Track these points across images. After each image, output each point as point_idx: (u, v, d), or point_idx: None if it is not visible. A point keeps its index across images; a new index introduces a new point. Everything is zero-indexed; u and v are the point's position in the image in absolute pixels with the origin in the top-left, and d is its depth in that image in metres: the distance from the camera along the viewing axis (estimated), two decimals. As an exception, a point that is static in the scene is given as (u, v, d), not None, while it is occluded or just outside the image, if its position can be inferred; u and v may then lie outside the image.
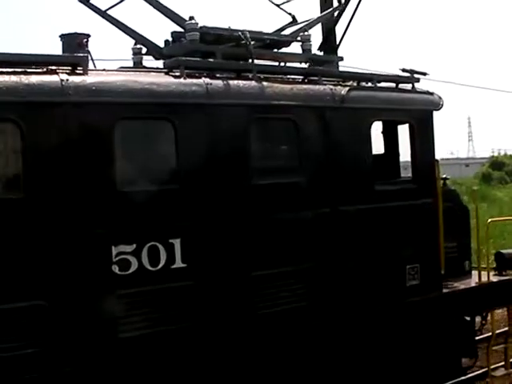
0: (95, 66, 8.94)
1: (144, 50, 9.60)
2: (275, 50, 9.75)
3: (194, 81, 7.94)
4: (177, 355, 7.53)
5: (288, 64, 9.56)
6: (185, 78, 7.89)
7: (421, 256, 9.62)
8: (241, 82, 8.27)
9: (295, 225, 8.51)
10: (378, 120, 9.70)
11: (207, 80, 8.00)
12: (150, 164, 7.63)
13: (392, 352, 9.30)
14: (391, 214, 9.31)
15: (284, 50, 9.86)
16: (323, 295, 8.64)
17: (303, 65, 9.79)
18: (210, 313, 7.77)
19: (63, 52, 9.03)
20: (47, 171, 6.90)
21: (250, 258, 8.09)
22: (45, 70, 7.23)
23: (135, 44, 9.61)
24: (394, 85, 9.88)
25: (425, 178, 9.74)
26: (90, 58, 9.01)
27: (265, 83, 8.42)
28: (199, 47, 8.68)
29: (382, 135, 10.49)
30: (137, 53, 9.57)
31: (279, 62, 9.61)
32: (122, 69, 8.58)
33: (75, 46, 8.86)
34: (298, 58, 9.73)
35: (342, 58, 10.06)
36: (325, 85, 8.94)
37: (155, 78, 7.82)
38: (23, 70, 7.09)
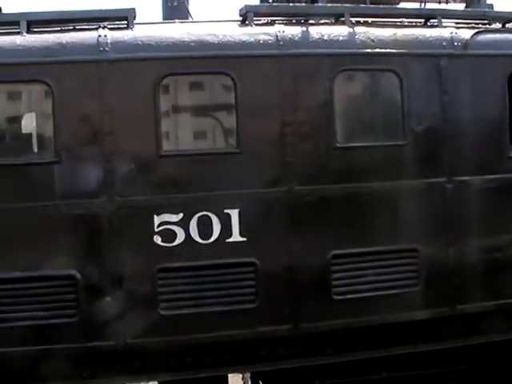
0: (192, 19, 8.34)
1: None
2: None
3: (264, 29, 6.97)
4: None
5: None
6: (252, 27, 6.95)
7: None
8: (325, 28, 7.09)
9: (395, 197, 7.20)
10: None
11: (280, 27, 6.97)
12: (198, 125, 6.89)
13: None
14: None
15: None
16: (432, 281, 7.25)
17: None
18: (276, 295, 6.87)
19: (162, 5, 8.56)
20: (78, 134, 6.47)
21: (330, 233, 7.00)
22: (96, 26, 6.75)
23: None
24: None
25: None
26: (187, 10, 8.47)
27: (359, 28, 7.15)
28: None
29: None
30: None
31: (420, 3, 8.48)
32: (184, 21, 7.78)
33: (170, -3, 8.36)
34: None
35: (492, -4, 8.30)
36: (444, 28, 7.38)
37: (216, 28, 6.95)
38: (72, 27, 6.71)
